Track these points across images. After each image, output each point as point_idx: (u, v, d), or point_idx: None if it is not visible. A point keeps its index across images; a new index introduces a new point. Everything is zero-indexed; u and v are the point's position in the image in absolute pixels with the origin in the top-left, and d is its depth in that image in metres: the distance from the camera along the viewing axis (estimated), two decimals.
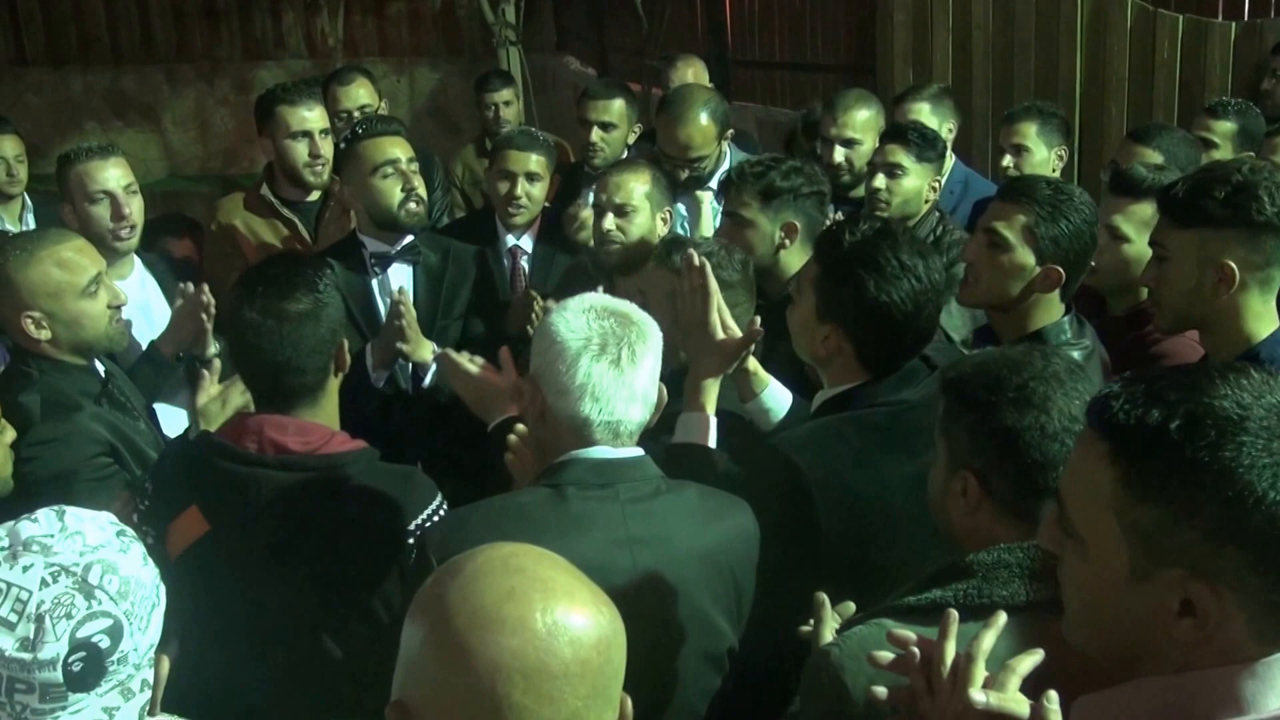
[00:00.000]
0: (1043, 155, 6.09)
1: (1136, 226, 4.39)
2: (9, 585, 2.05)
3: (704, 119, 5.86)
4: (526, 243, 5.75)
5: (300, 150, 5.78)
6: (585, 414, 2.96)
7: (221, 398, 4.05)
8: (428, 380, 4.78)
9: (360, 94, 6.97)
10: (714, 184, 5.86)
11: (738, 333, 3.64)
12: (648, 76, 7.75)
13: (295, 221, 5.76)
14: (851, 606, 2.91)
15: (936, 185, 5.60)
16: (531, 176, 5.64)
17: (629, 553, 2.96)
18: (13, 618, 2.03)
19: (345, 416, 3.56)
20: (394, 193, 5.07)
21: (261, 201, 5.82)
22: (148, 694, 2.17)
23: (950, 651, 2.25)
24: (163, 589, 2.21)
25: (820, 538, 3.25)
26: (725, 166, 5.94)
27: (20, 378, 3.97)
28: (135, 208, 5.11)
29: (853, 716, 2.46)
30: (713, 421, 3.61)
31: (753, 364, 3.78)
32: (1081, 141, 8.03)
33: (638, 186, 5.08)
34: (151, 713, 2.21)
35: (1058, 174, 5.89)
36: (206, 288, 4.70)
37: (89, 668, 2.05)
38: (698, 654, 3.05)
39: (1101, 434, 1.89)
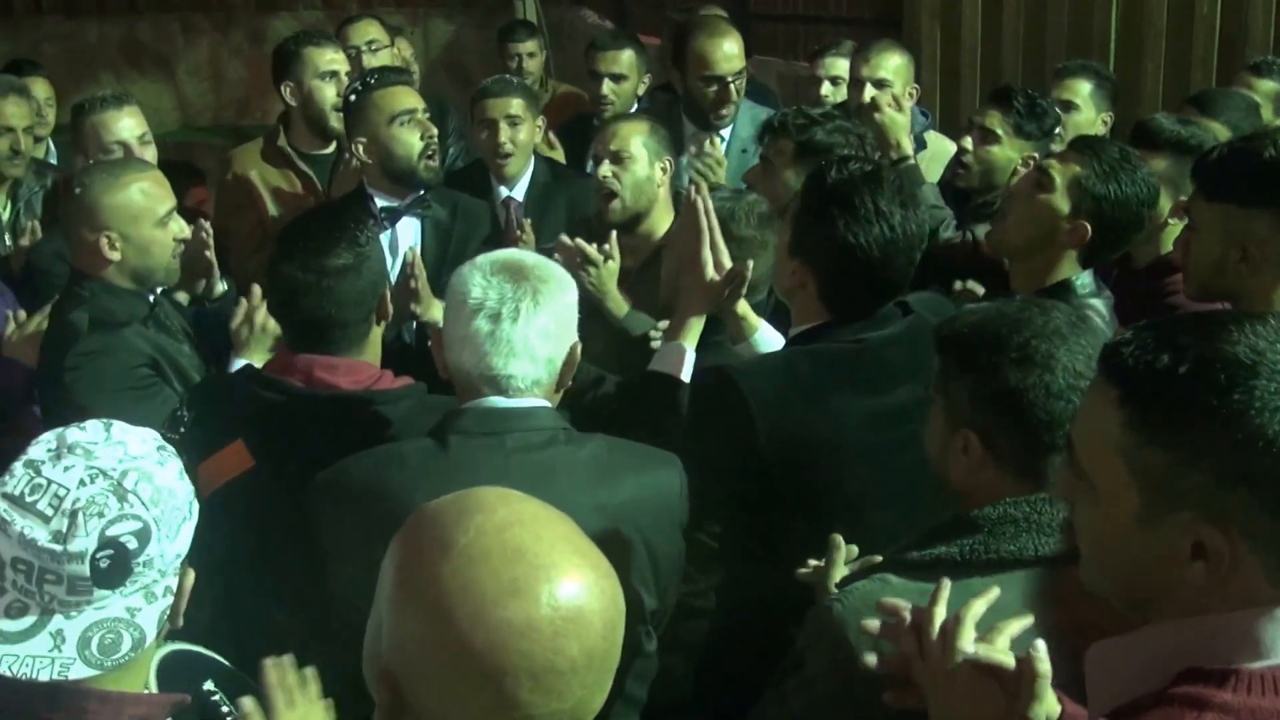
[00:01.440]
0: (1090, 116, 6.10)
1: None
2: (49, 482, 2.22)
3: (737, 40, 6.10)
4: (519, 193, 5.89)
5: (328, 92, 5.96)
6: (466, 368, 3.10)
7: (248, 320, 4.33)
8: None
9: (370, 30, 7.10)
10: (725, 134, 6.06)
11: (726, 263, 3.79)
12: (668, 30, 7.85)
13: (310, 174, 5.89)
14: (854, 550, 3.01)
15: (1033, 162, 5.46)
16: (513, 120, 5.77)
17: None
18: (49, 511, 2.19)
19: None
20: (414, 143, 5.22)
21: (278, 152, 5.98)
22: (170, 600, 2.31)
23: (940, 616, 2.32)
24: (195, 506, 2.37)
25: (763, 466, 3.32)
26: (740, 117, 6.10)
27: (73, 299, 4.25)
28: (149, 158, 5.31)
29: (855, 670, 2.51)
30: (690, 355, 3.74)
31: (742, 307, 3.91)
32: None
33: (634, 135, 5.18)
34: (173, 622, 2.36)
35: None
36: (205, 223, 4.91)
37: (115, 566, 2.20)
38: None
39: (1111, 379, 1.95)
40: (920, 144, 6.26)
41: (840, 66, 6.82)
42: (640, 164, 5.13)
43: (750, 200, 4.36)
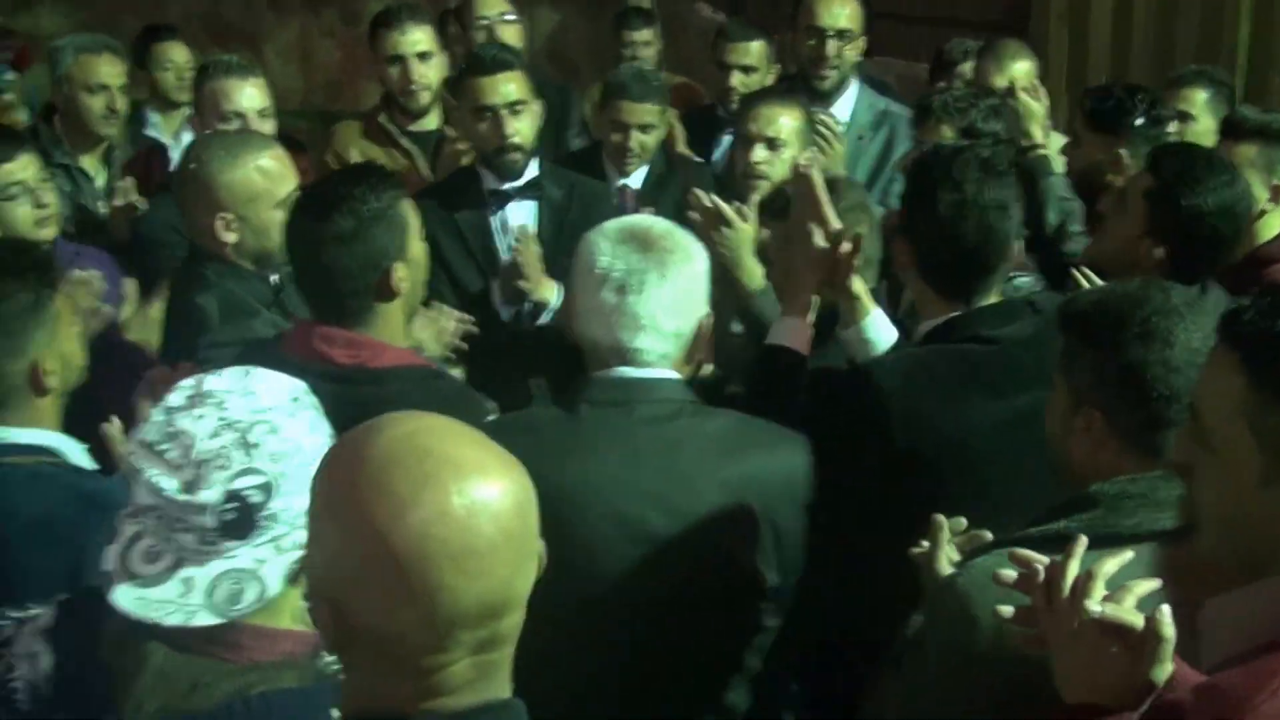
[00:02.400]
0: (1207, 125, 6.03)
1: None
2: (181, 431, 2.36)
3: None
4: (636, 181, 5.94)
5: (393, 76, 6.10)
6: (594, 338, 3.23)
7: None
8: (544, 318, 4.97)
9: (494, 1, 7.11)
10: (835, 111, 6.12)
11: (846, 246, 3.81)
12: (785, 25, 7.85)
13: (412, 151, 5.95)
14: (963, 522, 3.12)
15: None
16: (646, 128, 5.81)
17: (636, 472, 3.15)
18: (179, 461, 2.33)
19: (477, 348, 3.70)
20: (489, 139, 5.27)
21: (380, 129, 6.08)
22: (297, 551, 2.41)
23: (1073, 572, 2.38)
24: None
25: (893, 464, 3.47)
26: (851, 98, 6.04)
27: (197, 279, 4.28)
28: (266, 133, 5.28)
29: (978, 643, 2.63)
30: (805, 329, 3.78)
31: (859, 285, 3.86)
32: None
33: (788, 120, 5.24)
34: (296, 583, 2.46)
35: None
36: None
37: (240, 519, 2.32)
38: (717, 586, 3.20)
39: (1232, 344, 2.11)
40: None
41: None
42: (791, 151, 5.22)
43: (841, 175, 4.62)
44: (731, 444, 3.21)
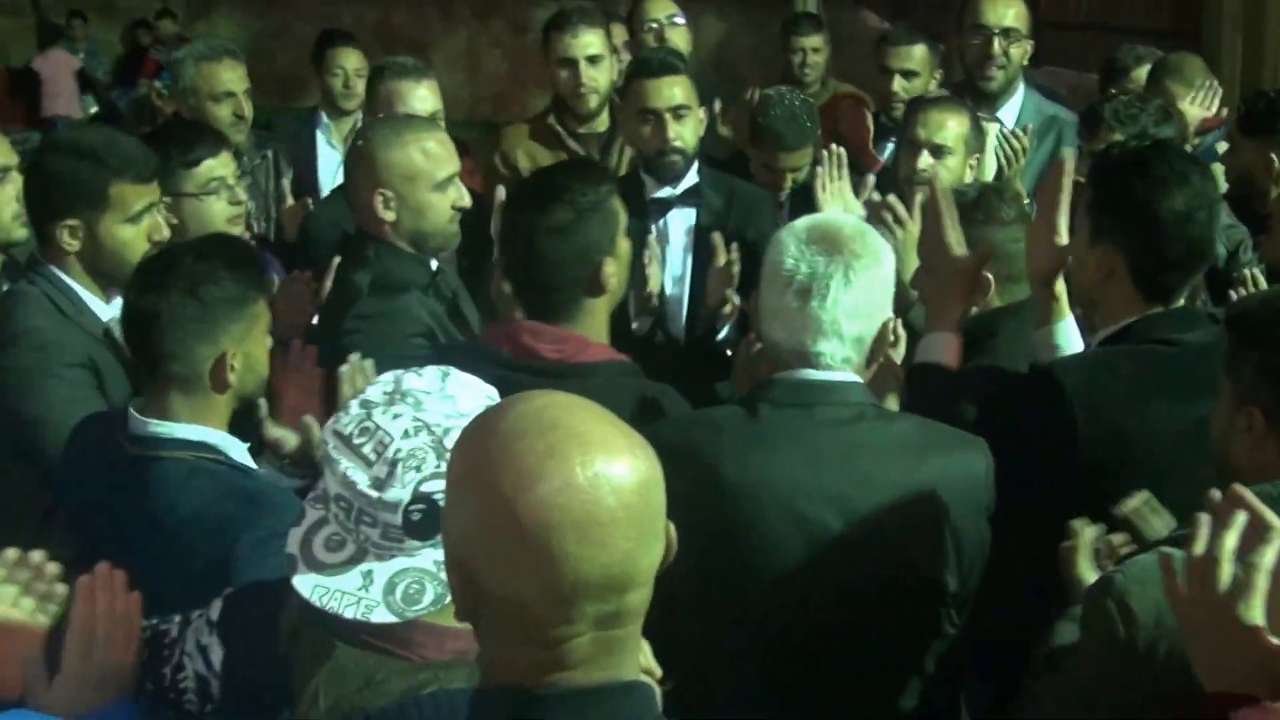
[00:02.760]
0: None
1: None
2: (377, 428, 2.39)
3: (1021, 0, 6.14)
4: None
5: (563, 78, 6.14)
6: (776, 339, 3.21)
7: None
8: (724, 332, 4.90)
9: (669, 5, 7.17)
10: (1002, 115, 6.02)
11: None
12: (951, 31, 7.86)
13: (580, 153, 6.03)
14: (1113, 540, 3.10)
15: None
16: (795, 170, 5.70)
17: (816, 473, 3.12)
18: (372, 456, 2.36)
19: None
20: (650, 141, 5.26)
21: (548, 131, 6.16)
22: None
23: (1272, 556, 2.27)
24: None
25: (1076, 468, 3.42)
26: (1017, 102, 6.14)
27: (358, 259, 4.35)
28: None
29: (1138, 642, 2.60)
30: (955, 343, 3.79)
31: (1060, 287, 3.84)
32: None
33: (955, 125, 5.18)
34: None
35: None
36: None
37: (426, 520, 2.33)
38: (893, 590, 3.17)
39: None
40: (1210, 155, 6.20)
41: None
42: (957, 159, 5.14)
43: (1004, 185, 4.49)
44: (911, 448, 3.20)
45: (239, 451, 3.45)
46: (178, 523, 3.16)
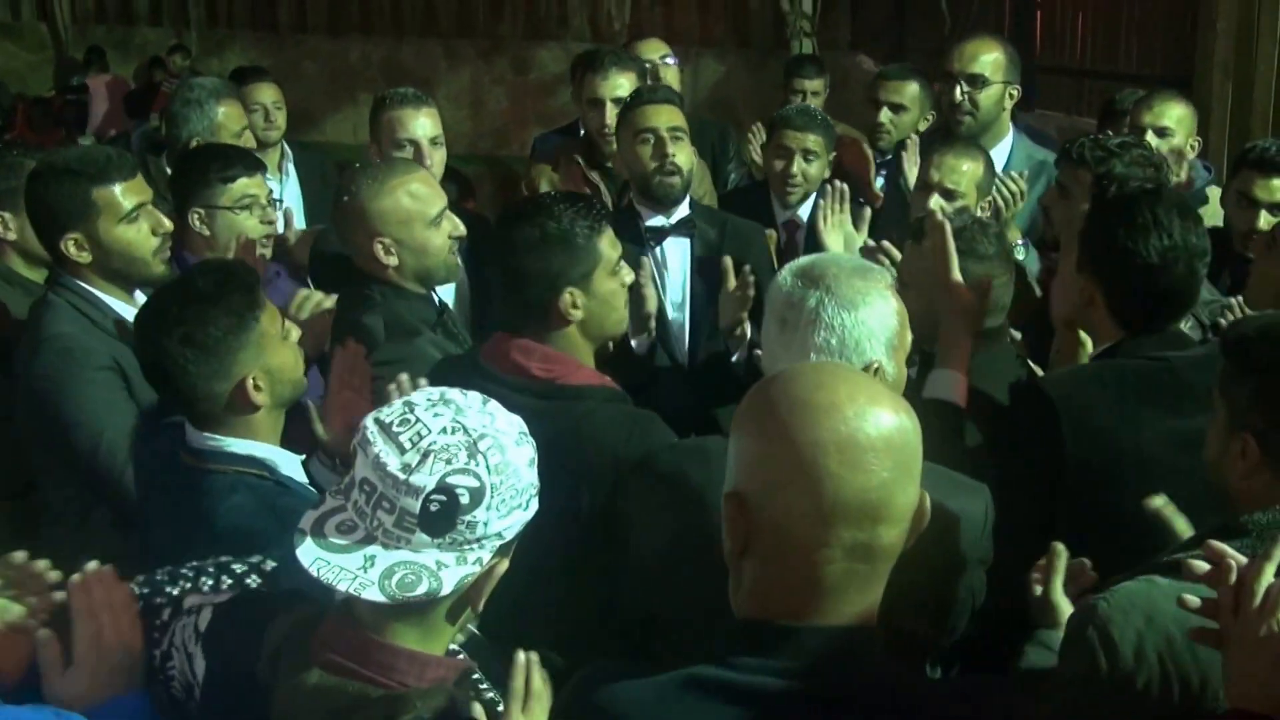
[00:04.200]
0: None
1: None
2: (417, 420, 2.42)
3: (999, 48, 6.12)
4: (802, 215, 5.93)
5: (591, 118, 6.21)
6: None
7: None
8: (736, 356, 4.87)
9: (661, 46, 7.40)
10: (1001, 167, 5.90)
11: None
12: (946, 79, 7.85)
13: (600, 186, 6.10)
14: (1086, 563, 3.05)
15: None
16: (808, 154, 5.85)
17: None
18: (407, 444, 2.38)
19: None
20: (648, 159, 5.25)
21: (572, 165, 6.22)
22: (477, 569, 2.45)
23: (1268, 574, 2.30)
24: (535, 502, 2.51)
25: (1063, 473, 3.41)
26: (1007, 147, 6.10)
27: (363, 300, 4.37)
28: (437, 160, 5.52)
29: (1121, 670, 2.55)
30: (963, 381, 3.77)
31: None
32: None
33: (967, 169, 5.19)
34: (474, 605, 2.51)
35: None
36: None
37: (442, 513, 2.36)
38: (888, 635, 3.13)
39: None
40: (1202, 199, 6.13)
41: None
42: (968, 203, 5.13)
43: (982, 220, 4.41)
44: None
45: (290, 465, 3.49)
46: (212, 536, 3.16)
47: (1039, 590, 3.04)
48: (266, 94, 7.28)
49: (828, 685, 2.12)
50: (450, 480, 2.35)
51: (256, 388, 3.32)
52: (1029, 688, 2.89)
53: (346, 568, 2.38)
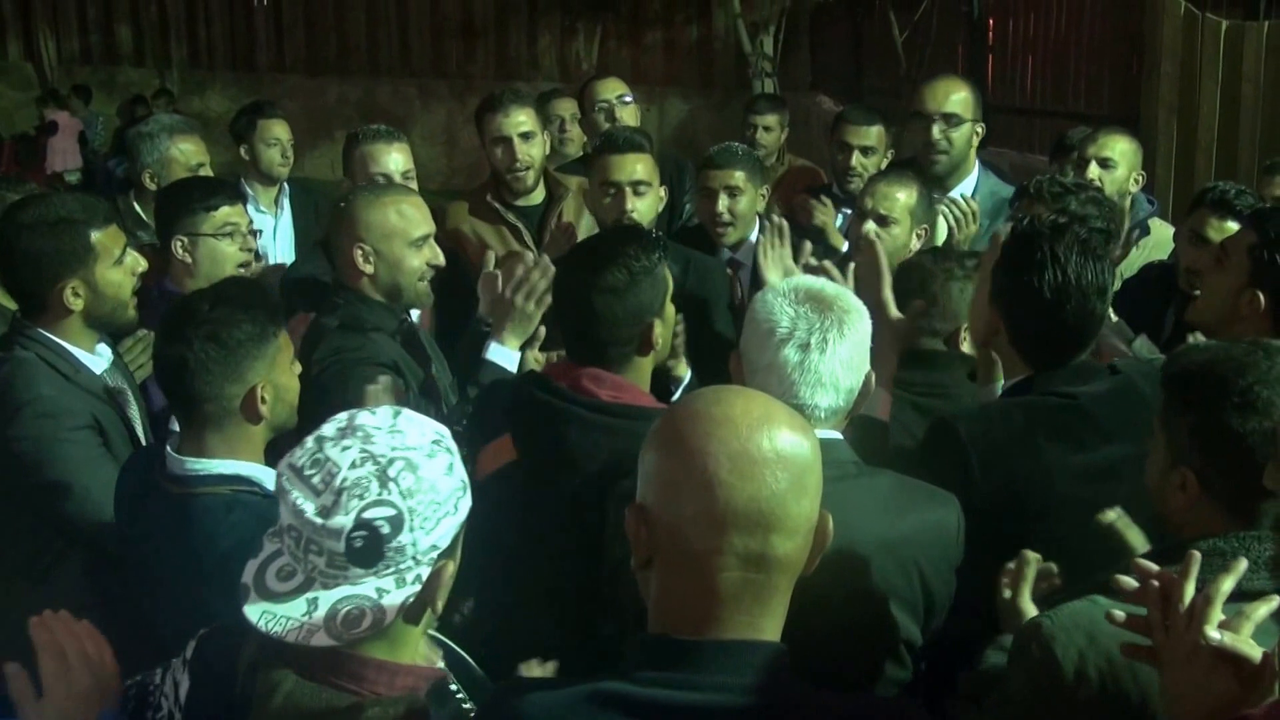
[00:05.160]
0: None
1: None
2: (327, 460, 2.41)
3: (967, 88, 6.13)
4: (745, 256, 5.82)
5: (497, 155, 6.12)
6: (771, 394, 3.16)
7: (518, 286, 4.50)
8: (677, 394, 4.85)
9: (617, 86, 7.40)
10: (957, 194, 5.96)
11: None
12: (902, 119, 7.93)
13: (519, 227, 6.04)
14: (1054, 567, 3.09)
15: None
16: (733, 191, 5.74)
17: None
18: (320, 486, 2.38)
19: None
20: (610, 215, 5.30)
21: (486, 207, 6.13)
22: (418, 587, 2.44)
23: (1190, 590, 2.32)
24: (464, 503, 2.50)
25: (976, 511, 3.35)
26: (972, 183, 6.14)
27: (330, 307, 4.43)
28: None
29: (1062, 687, 2.57)
30: (888, 398, 3.82)
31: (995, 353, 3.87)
32: None
33: (901, 197, 5.22)
34: (433, 609, 2.51)
35: None
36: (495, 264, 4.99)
37: (368, 548, 2.35)
38: (870, 639, 3.15)
39: None
40: (1144, 230, 6.25)
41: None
42: (901, 229, 5.16)
43: (948, 248, 4.52)
44: (892, 504, 3.18)
45: (274, 483, 3.43)
46: (218, 556, 3.10)
47: (1008, 594, 3.06)
48: (282, 131, 7.30)
49: (727, 698, 2.12)
50: (367, 515, 2.35)
51: (263, 400, 3.33)
52: (975, 698, 2.95)
53: (291, 616, 2.38)
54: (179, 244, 4.88)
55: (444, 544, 2.44)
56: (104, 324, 4.27)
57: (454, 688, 2.60)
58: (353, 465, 2.38)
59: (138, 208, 6.40)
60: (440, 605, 2.50)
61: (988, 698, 2.87)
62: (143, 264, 4.33)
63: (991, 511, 3.37)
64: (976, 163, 6.26)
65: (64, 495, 3.96)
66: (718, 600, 2.12)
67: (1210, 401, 2.70)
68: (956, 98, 6.09)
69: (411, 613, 2.45)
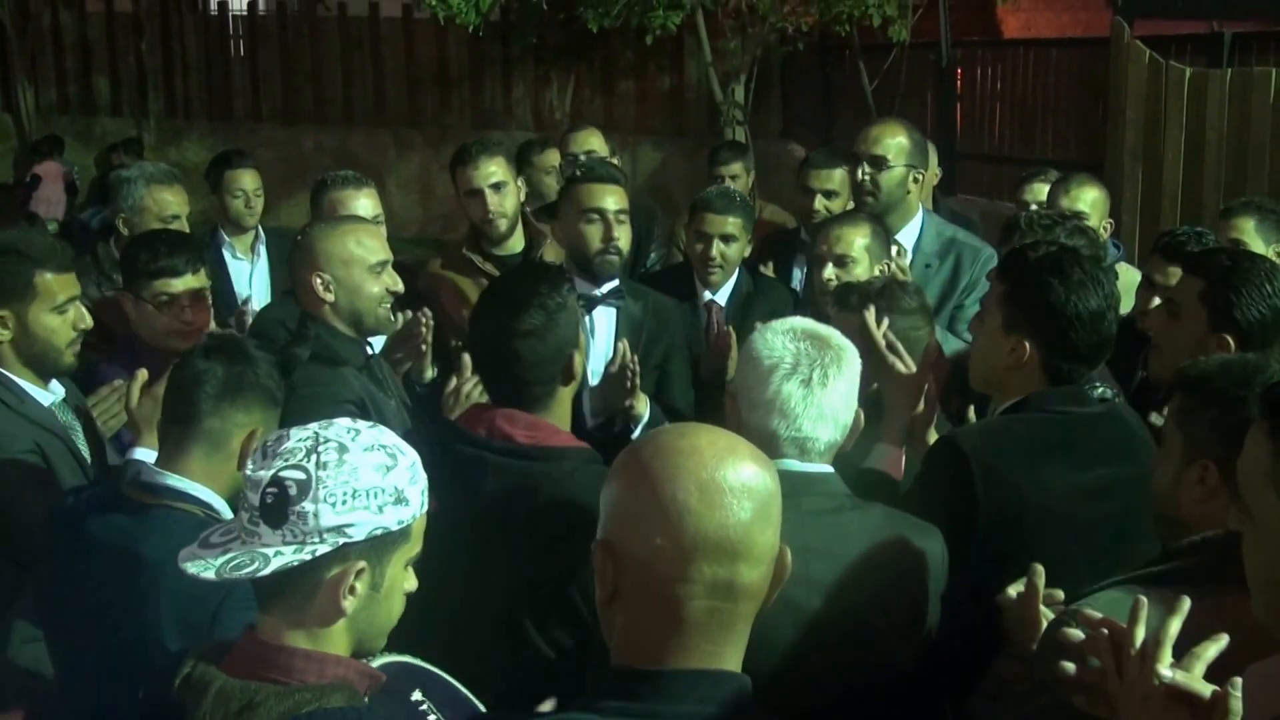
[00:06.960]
0: (1259, 250, 5.98)
1: None
2: (288, 435, 2.55)
3: (904, 133, 6.12)
4: (722, 297, 5.96)
5: (472, 208, 6.17)
6: (773, 429, 3.20)
7: (457, 391, 4.55)
8: (637, 431, 4.88)
9: (591, 140, 7.64)
10: (901, 238, 5.99)
11: (912, 366, 3.96)
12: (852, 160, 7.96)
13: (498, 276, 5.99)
14: (1060, 595, 3.07)
15: None
16: (728, 238, 5.85)
17: (803, 562, 3.06)
18: (267, 451, 2.53)
19: None
20: (594, 240, 5.36)
21: (464, 260, 6.14)
22: (306, 558, 2.47)
23: (1140, 636, 2.34)
24: (391, 511, 2.54)
25: (980, 523, 3.46)
26: (916, 226, 6.13)
27: (301, 337, 4.49)
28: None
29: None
30: (899, 455, 3.88)
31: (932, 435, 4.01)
32: None
33: (858, 238, 5.28)
34: (337, 608, 2.54)
35: None
36: (427, 311, 5.08)
37: (276, 504, 2.47)
38: (863, 668, 3.17)
39: (1264, 413, 2.09)
40: (1112, 275, 6.17)
41: (1043, 193, 6.82)
42: (861, 267, 5.21)
43: (901, 281, 4.57)
44: (884, 536, 3.23)
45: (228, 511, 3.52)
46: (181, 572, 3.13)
47: (1016, 605, 3.06)
48: (248, 181, 7.36)
49: None
50: (283, 474, 2.47)
51: (251, 450, 3.36)
52: (995, 696, 3.01)
53: (212, 564, 2.50)
54: (129, 300, 4.88)
55: (355, 535, 2.50)
56: (35, 364, 4.24)
57: (416, 698, 2.74)
58: (299, 440, 2.53)
59: (116, 253, 6.35)
60: (346, 605, 2.54)
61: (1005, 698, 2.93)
62: (87, 321, 4.33)
63: (995, 526, 3.48)
64: (920, 207, 6.24)
65: (9, 516, 3.94)
66: (684, 629, 2.14)
67: (1235, 394, 2.83)
68: (889, 142, 6.10)
69: (322, 615, 2.54)
